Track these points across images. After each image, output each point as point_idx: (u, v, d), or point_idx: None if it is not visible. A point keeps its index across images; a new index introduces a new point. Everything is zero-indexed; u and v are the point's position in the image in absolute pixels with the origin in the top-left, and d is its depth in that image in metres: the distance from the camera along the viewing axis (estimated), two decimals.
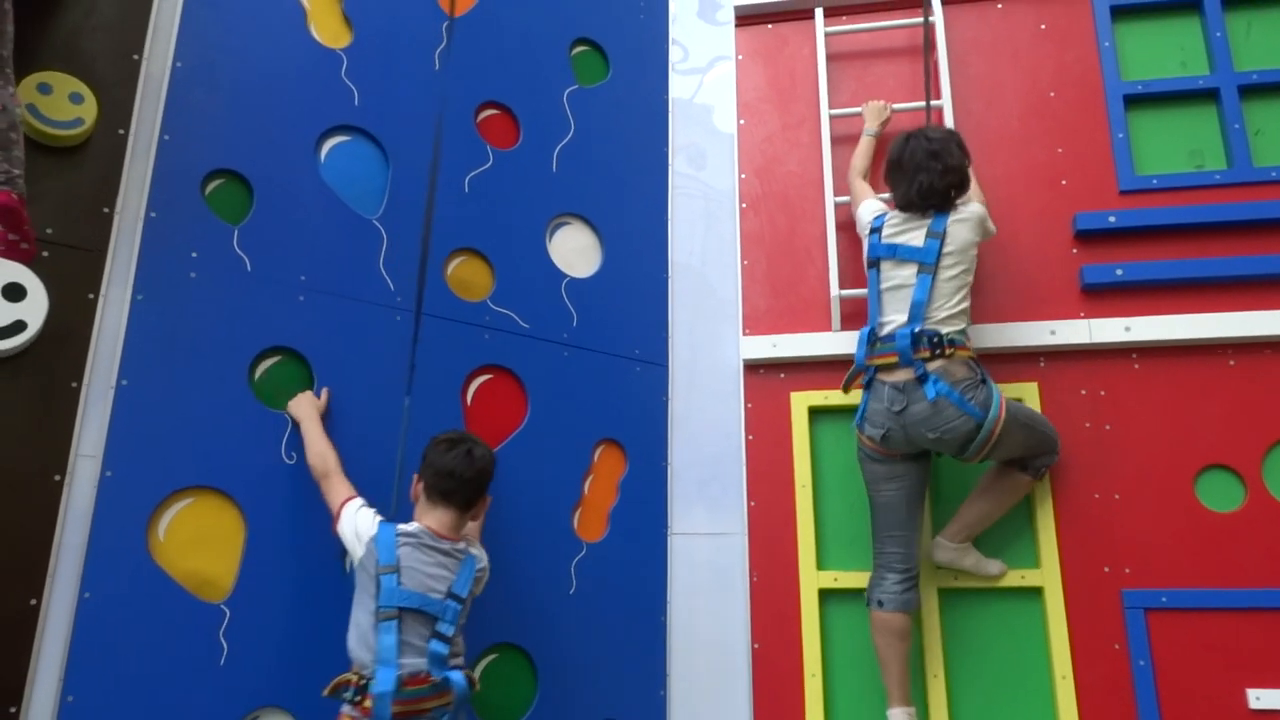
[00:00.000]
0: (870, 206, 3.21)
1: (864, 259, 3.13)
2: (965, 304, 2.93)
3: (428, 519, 2.55)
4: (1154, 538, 3.08)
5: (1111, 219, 3.37)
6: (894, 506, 2.94)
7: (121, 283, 2.66)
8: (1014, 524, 3.16)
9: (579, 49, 3.76)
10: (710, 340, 3.57)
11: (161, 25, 2.87)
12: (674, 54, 4.02)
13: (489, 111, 3.44)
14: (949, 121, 3.53)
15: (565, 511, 3.18)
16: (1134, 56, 3.63)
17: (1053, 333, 3.28)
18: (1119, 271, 3.30)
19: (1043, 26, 3.71)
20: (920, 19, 3.66)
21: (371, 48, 3.22)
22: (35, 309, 2.47)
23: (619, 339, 3.44)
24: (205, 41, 2.90)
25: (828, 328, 3.43)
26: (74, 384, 2.54)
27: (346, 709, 2.36)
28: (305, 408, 2.76)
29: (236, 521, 2.65)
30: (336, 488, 2.60)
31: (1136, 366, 3.26)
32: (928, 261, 2.90)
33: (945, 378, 2.81)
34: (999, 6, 3.77)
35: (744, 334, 3.51)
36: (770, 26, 3.94)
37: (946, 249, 2.91)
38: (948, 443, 2.85)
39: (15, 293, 2.45)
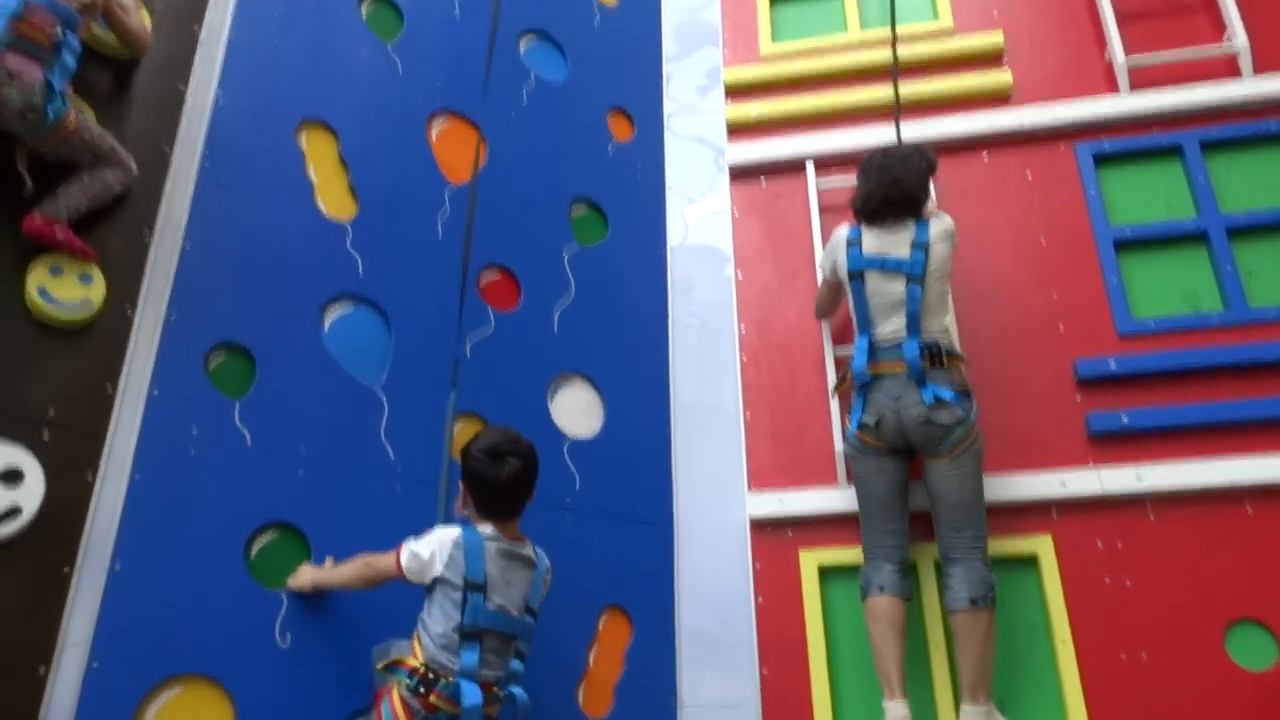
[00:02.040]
0: (839, 230, 3.32)
1: (838, 272, 3.23)
2: (950, 318, 3.22)
3: (486, 528, 2.59)
4: (1186, 703, 2.94)
5: (1112, 364, 3.36)
6: (886, 497, 3.05)
7: (120, 463, 2.63)
8: (1040, 690, 3.03)
9: (579, 209, 3.85)
10: (715, 497, 3.52)
11: (174, 207, 2.93)
12: (671, 207, 4.12)
13: (491, 275, 3.50)
14: None
15: (569, 686, 3.07)
16: (1120, 201, 3.70)
17: (1063, 484, 3.22)
18: (1124, 418, 3.27)
19: (1029, 175, 3.80)
20: None
21: (377, 217, 3.29)
22: (32, 494, 2.45)
23: (622, 500, 3.40)
24: (214, 221, 2.97)
25: (834, 481, 3.38)
26: (66, 569, 2.48)
27: (404, 693, 2.39)
28: (307, 572, 2.73)
29: (226, 710, 2.55)
30: (379, 556, 2.62)
31: (1152, 517, 3.19)
32: (916, 273, 3.04)
33: (944, 384, 2.97)
34: (985, 157, 3.87)
35: (749, 489, 3.47)
36: (763, 181, 4.04)
37: (932, 268, 3.06)
38: (933, 429, 2.95)
39: (13, 477, 2.43)
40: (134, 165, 2.78)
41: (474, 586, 2.44)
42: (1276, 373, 3.26)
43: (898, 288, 3.06)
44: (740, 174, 4.07)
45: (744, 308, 3.83)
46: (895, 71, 3.87)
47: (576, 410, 3.48)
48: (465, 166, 3.57)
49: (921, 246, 3.07)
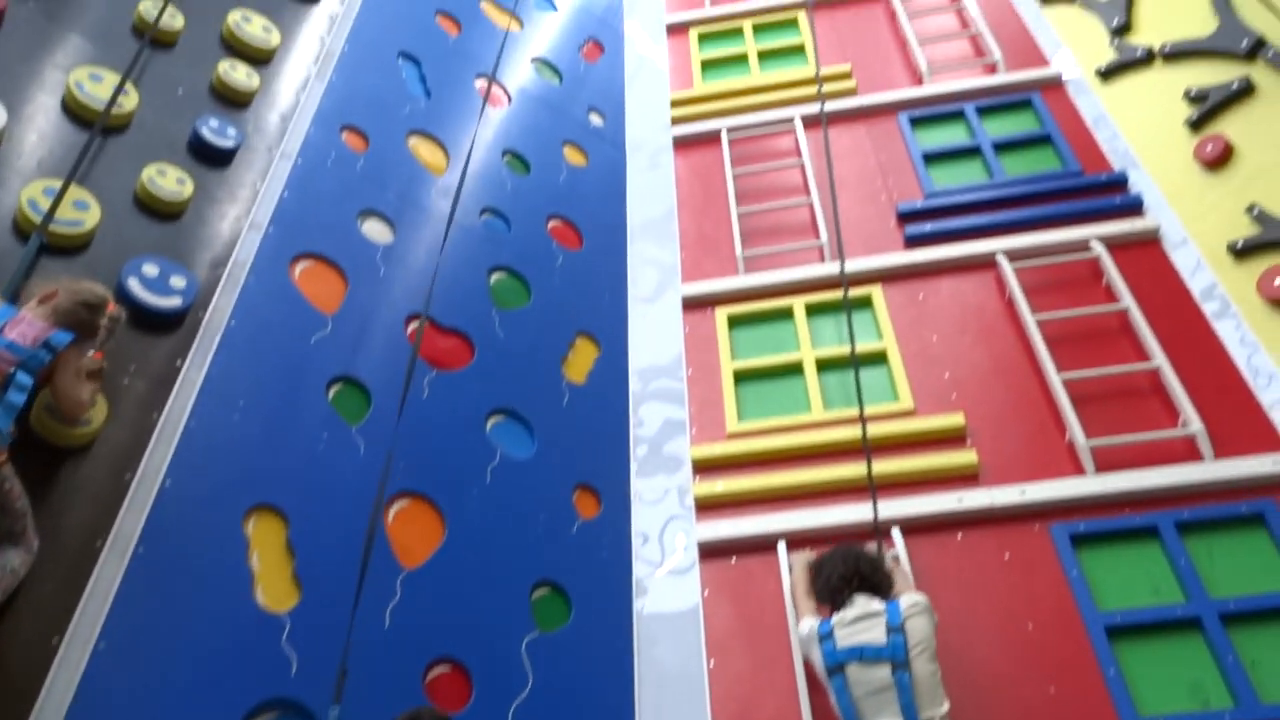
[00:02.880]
0: (809, 620, 3.15)
1: (819, 670, 3.02)
2: (945, 699, 2.90)
3: None
4: None
5: None
6: None
7: None
8: None
9: (541, 592, 3.66)
10: None
11: (92, 605, 2.72)
12: (638, 586, 3.94)
13: (441, 669, 3.23)
14: None
15: None
16: (1104, 583, 3.57)
17: None
18: None
19: (1007, 556, 3.69)
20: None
21: (319, 608, 3.08)
22: None
23: None
24: (137, 619, 2.75)
25: None
26: None
27: None
28: None
29: None
30: None
31: None
32: (899, 658, 2.86)
33: None
34: (959, 537, 3.78)
35: None
36: (734, 560, 3.90)
37: (913, 644, 2.89)
38: None
39: None
40: (37, 545, 2.61)
41: None
42: None
43: (883, 675, 2.86)
44: (710, 552, 3.94)
45: (717, 700, 3.52)
46: (866, 447, 3.89)
47: None
48: (422, 549, 3.42)
49: (897, 629, 2.92)
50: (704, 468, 4.19)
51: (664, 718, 3.59)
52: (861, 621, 2.98)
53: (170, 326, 3.33)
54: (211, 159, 4.06)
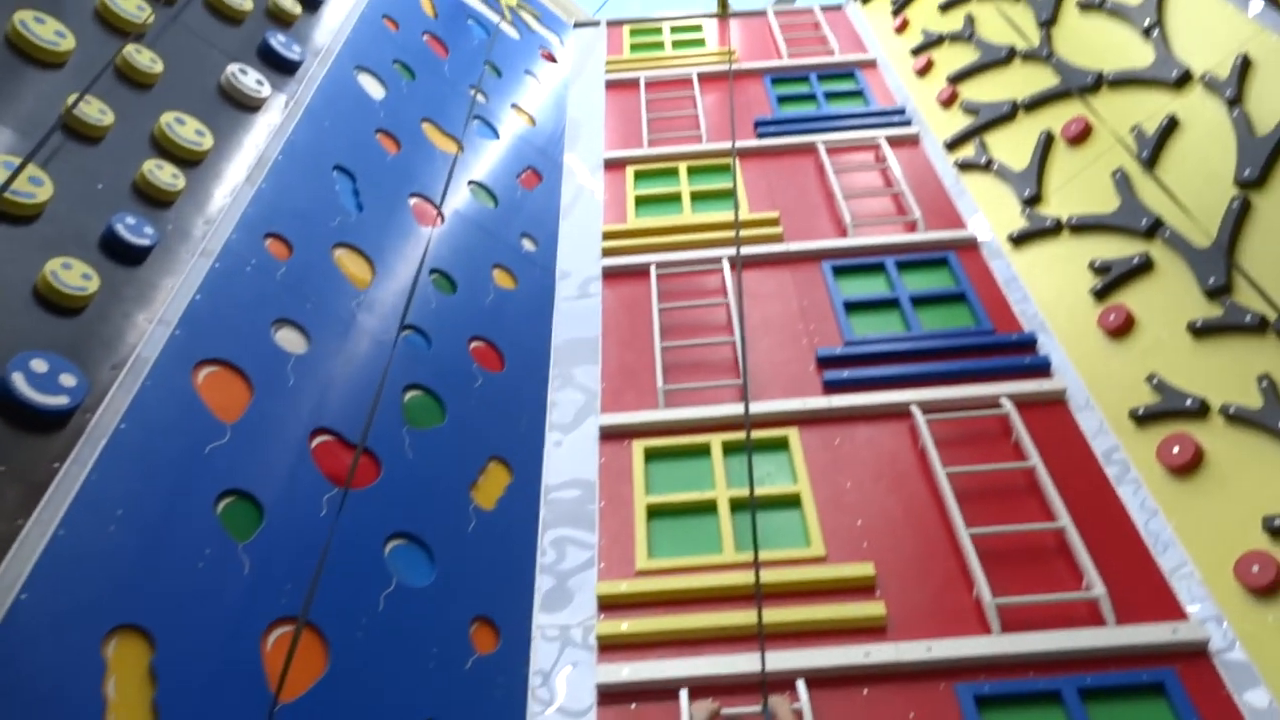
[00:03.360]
0: None
1: None
2: None
3: None
4: None
5: None
6: None
7: None
8: None
9: None
10: None
11: None
12: None
13: None
14: None
15: None
16: None
17: None
18: None
19: (912, 715, 3.59)
20: None
21: None
22: None
23: None
24: None
25: None
26: None
27: None
28: None
29: None
30: None
31: None
32: None
33: None
34: (864, 692, 3.68)
35: None
36: (634, 706, 3.73)
37: None
38: None
39: None
40: None
41: None
42: None
43: None
44: (610, 696, 3.76)
45: None
46: (759, 593, 3.81)
47: None
48: (301, 681, 3.20)
49: None
50: (610, 605, 4.06)
51: None
52: None
53: (53, 426, 3.16)
54: (124, 256, 3.96)
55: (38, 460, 3.06)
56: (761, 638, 3.66)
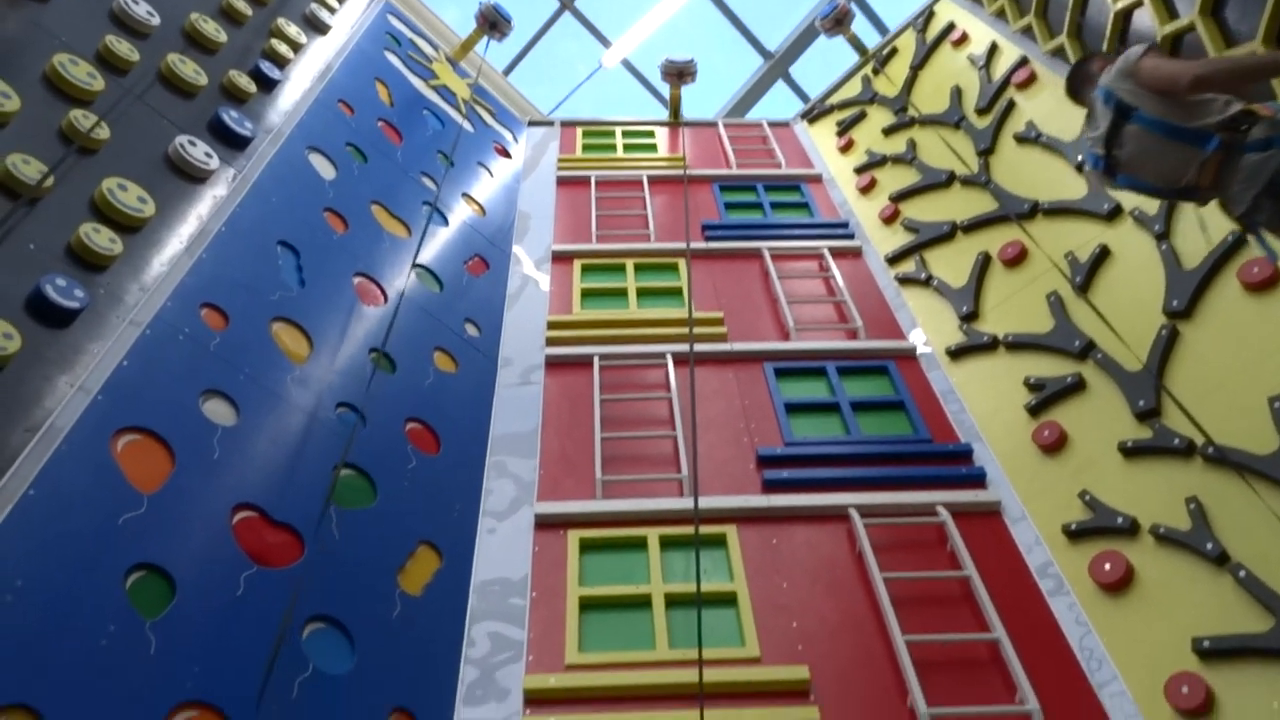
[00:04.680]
0: None
1: None
2: None
3: None
4: None
5: None
6: None
7: None
8: None
9: None
10: None
11: None
12: None
13: None
14: None
15: None
16: None
17: None
18: None
19: None
20: None
21: None
22: None
23: None
24: None
25: None
26: None
27: None
28: None
29: None
30: None
31: None
32: None
33: None
34: None
35: None
36: None
37: None
38: None
39: None
40: None
41: None
42: None
43: None
44: None
45: None
46: (701, 695, 3.69)
47: None
48: None
49: None
50: (536, 700, 3.89)
51: None
52: None
53: None
54: (50, 318, 3.82)
55: None
56: None
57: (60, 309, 3.84)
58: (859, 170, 7.62)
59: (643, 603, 4.36)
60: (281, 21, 7.09)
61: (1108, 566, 4.15)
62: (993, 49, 7.02)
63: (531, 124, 9.21)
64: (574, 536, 4.67)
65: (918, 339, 5.93)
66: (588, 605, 4.34)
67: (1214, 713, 3.51)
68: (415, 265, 6.04)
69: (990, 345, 5.44)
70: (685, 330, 5.72)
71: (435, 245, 6.48)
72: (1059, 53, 6.38)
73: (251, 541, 3.70)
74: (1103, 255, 5.13)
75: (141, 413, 3.81)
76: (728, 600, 4.38)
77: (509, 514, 4.92)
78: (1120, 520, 4.21)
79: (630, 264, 6.75)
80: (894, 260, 6.56)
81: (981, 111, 6.71)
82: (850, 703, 3.91)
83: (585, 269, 6.69)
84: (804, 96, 11.71)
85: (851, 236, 7.09)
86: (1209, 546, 3.82)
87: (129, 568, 3.23)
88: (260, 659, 3.31)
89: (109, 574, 3.16)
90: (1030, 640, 4.08)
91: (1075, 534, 4.39)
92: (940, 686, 3.89)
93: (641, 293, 6.48)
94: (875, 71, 8.43)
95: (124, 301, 4.25)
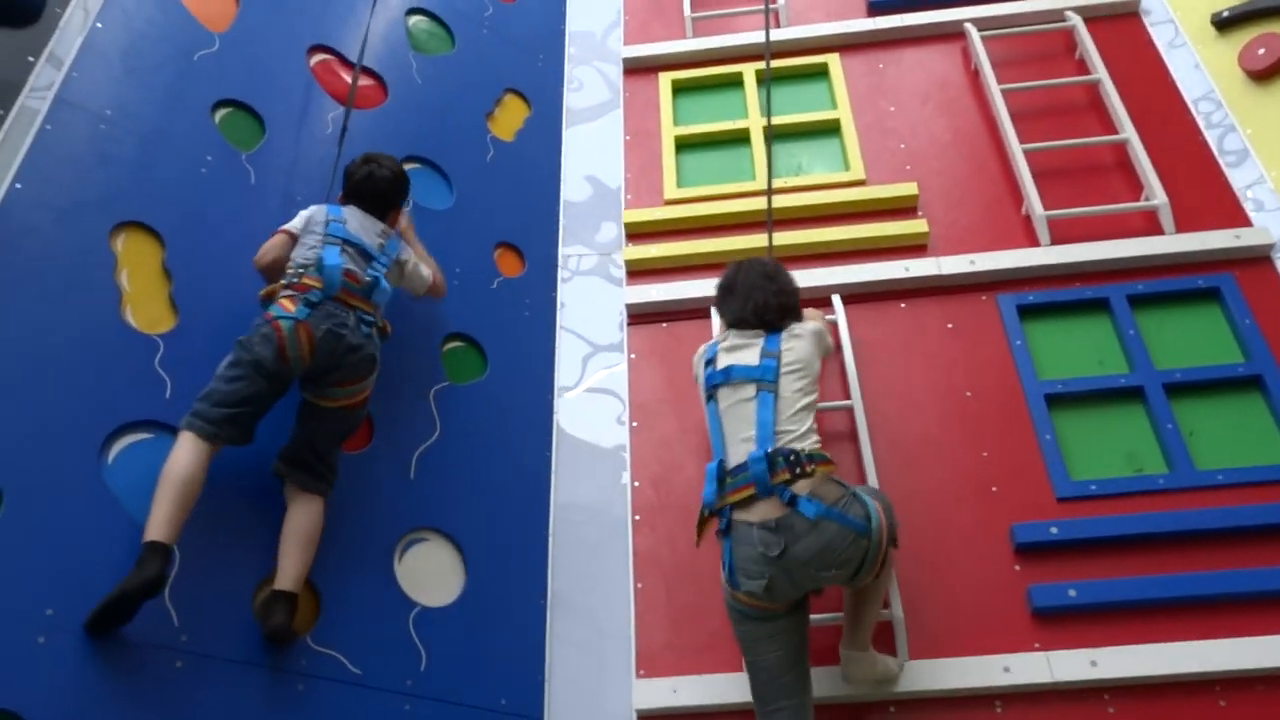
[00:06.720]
0: (703, 345, 2.89)
1: (702, 398, 2.77)
2: (814, 426, 2.59)
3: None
4: None
5: (1054, 530, 2.93)
6: (781, 668, 2.48)
7: None
8: None
9: (452, 344, 3.40)
10: (596, 686, 2.90)
11: None
12: (570, 352, 3.69)
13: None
14: (860, 424, 3.17)
15: None
16: (1048, 355, 3.40)
17: (1007, 669, 2.71)
18: (1072, 592, 2.81)
19: (950, 325, 3.49)
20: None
21: (199, 333, 2.77)
22: None
23: (481, 685, 2.75)
24: None
25: (739, 667, 2.80)
26: None
27: (282, 296, 2.73)
28: None
29: None
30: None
31: (1111, 710, 2.67)
32: (767, 379, 2.58)
33: (817, 498, 2.40)
34: (902, 306, 3.57)
35: (638, 676, 2.86)
36: (665, 325, 3.67)
37: (785, 363, 2.61)
38: (842, 574, 2.43)
39: None
40: None
41: (335, 220, 2.88)
42: (1234, 542, 2.87)
43: (747, 393, 2.59)
44: (640, 316, 3.70)
45: (639, 461, 3.34)
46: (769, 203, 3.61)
47: (429, 572, 2.88)
48: None
49: (772, 354, 2.62)
50: (637, 233, 3.91)
51: (582, 481, 3.41)
52: (742, 341, 2.71)
53: (18, 19, 2.88)
54: None
55: (9, 53, 2.81)
56: (770, 249, 3.44)
57: None
58: None
59: (741, 138, 4.20)
60: None
61: (1262, 51, 3.71)
62: None
63: None
64: (665, 79, 4.43)
65: None
66: (684, 145, 4.21)
67: None
68: None
69: None
70: None
71: None
72: None
73: (332, 83, 3.60)
74: None
75: None
76: (831, 129, 4.17)
77: (593, 59, 4.69)
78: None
79: None
80: None
81: None
82: (962, 215, 3.79)
83: None
84: None
85: None
86: None
87: (215, 103, 3.19)
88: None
89: (196, 107, 3.13)
90: (1163, 141, 3.79)
91: (1225, 23, 3.90)
92: (1059, 192, 3.71)
93: None
94: None
95: None
